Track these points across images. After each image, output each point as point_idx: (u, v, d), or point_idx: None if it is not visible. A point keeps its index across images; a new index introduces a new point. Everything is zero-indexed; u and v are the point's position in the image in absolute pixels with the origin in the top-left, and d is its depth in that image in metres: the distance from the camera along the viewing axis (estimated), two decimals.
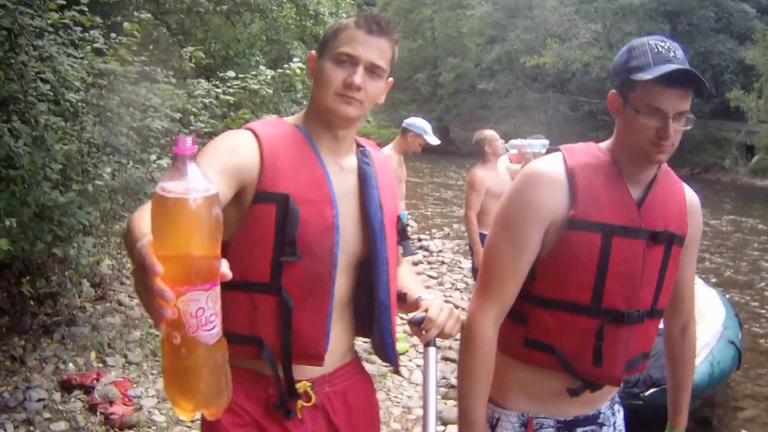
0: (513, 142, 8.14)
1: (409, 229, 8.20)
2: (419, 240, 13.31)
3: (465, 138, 40.17)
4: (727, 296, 8.63)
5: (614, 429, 2.41)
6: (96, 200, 5.41)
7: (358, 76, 2.02)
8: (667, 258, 2.23)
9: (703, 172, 30.24)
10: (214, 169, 1.84)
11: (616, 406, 2.47)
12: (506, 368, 2.29)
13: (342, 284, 2.12)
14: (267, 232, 1.97)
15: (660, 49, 2.10)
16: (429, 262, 11.63)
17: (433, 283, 10.24)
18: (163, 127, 5.90)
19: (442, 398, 6.04)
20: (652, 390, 4.81)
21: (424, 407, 2.14)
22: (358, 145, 2.29)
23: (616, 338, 2.18)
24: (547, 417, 2.29)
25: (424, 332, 2.17)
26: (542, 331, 2.21)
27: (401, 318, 8.10)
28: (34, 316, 5.95)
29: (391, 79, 2.20)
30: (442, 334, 2.17)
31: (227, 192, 1.89)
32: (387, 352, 2.24)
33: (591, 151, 2.26)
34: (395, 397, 6.05)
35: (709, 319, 6.37)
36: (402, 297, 2.32)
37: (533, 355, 2.24)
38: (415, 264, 11.27)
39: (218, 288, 1.23)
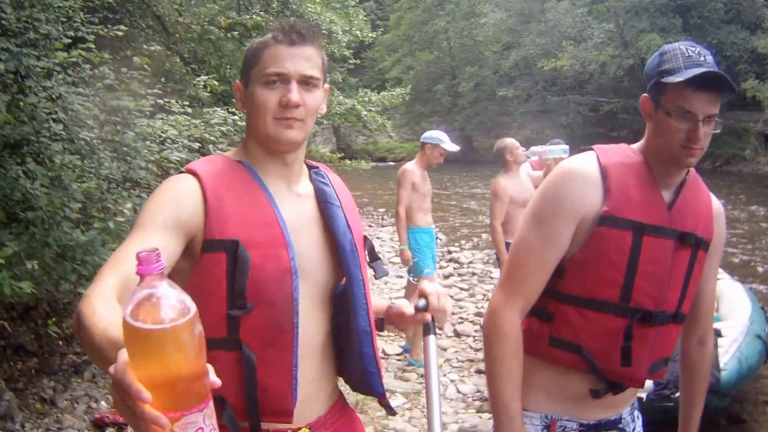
0: (534, 149, 8.11)
1: (438, 242, 8.16)
2: (449, 252, 13.21)
3: (488, 146, 39.99)
4: (752, 289, 8.50)
5: None
6: (119, 236, 5.37)
7: (294, 93, 1.88)
8: (693, 262, 2.25)
9: (724, 165, 29.92)
10: (158, 227, 1.74)
11: (636, 413, 2.47)
12: (529, 369, 2.28)
13: (312, 326, 1.97)
14: (219, 283, 1.80)
15: (691, 53, 2.14)
16: (459, 274, 11.56)
17: (465, 294, 10.15)
18: (182, 158, 5.87)
19: (477, 412, 5.97)
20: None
21: (428, 399, 2.06)
22: (311, 167, 2.15)
23: (643, 338, 2.20)
24: (570, 420, 2.29)
25: (431, 314, 2.08)
26: (568, 329, 2.21)
27: (436, 333, 8.08)
28: (63, 356, 5.93)
29: (327, 85, 2.07)
30: (445, 313, 2.08)
31: (177, 248, 1.76)
32: (372, 382, 2.10)
33: (623, 152, 2.30)
34: None
35: (736, 314, 6.39)
36: (378, 323, 2.19)
37: (558, 354, 2.24)
38: (446, 277, 11.19)
39: (212, 402, 1.13)
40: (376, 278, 2.17)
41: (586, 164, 2.23)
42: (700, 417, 2.57)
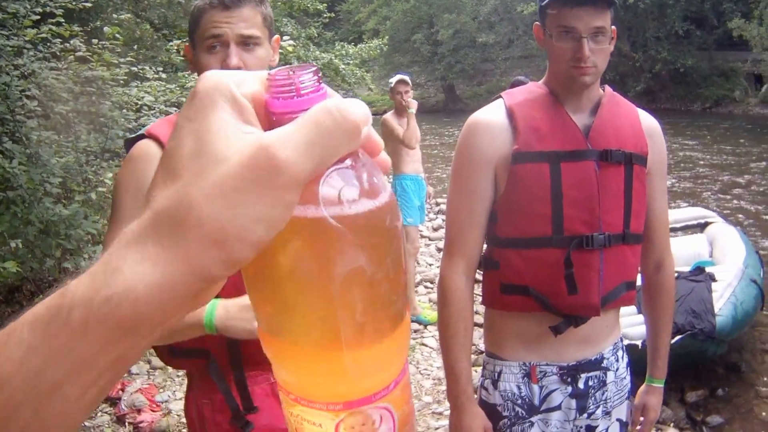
0: None
1: (428, 196, 8.15)
2: (437, 204, 13.14)
3: (471, 94, 39.80)
4: (746, 232, 8.41)
5: (615, 375, 2.37)
6: (101, 207, 5.36)
7: (233, 57, 1.90)
8: (630, 178, 2.22)
9: (714, 106, 29.74)
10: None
11: (620, 353, 2.43)
12: (494, 321, 2.35)
13: None
14: None
15: None
16: None
17: None
18: None
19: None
20: (677, 337, 4.71)
21: None
22: None
23: (586, 264, 2.18)
24: (549, 364, 2.29)
25: None
26: (513, 272, 2.23)
27: (426, 287, 8.11)
28: None
29: (276, 36, 2.10)
30: None
31: None
32: None
33: (528, 89, 2.33)
34: (425, 369, 6.02)
35: (730, 258, 6.28)
36: None
37: (510, 300, 2.26)
38: (435, 230, 11.17)
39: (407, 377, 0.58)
40: None
41: (489, 112, 2.27)
42: (669, 346, 2.55)
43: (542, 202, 2.15)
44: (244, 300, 1.77)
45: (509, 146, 2.18)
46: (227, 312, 1.78)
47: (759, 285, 5.79)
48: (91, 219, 4.97)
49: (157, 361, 5.78)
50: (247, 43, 1.94)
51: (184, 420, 4.94)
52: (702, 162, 16.87)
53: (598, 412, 2.33)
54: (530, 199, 2.16)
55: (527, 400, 2.30)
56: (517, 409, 2.30)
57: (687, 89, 30.90)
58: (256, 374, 2.01)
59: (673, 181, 13.97)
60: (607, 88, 2.34)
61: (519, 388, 2.30)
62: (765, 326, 6.62)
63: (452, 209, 2.31)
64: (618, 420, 2.40)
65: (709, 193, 13.53)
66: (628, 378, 2.45)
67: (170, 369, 5.69)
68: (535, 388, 2.29)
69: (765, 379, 5.69)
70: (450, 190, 2.33)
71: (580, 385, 2.30)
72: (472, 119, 2.28)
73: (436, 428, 5.01)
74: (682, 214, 7.90)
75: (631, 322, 4.92)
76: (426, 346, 6.50)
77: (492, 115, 2.25)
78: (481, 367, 2.44)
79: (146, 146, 1.89)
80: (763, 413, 5.21)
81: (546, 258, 2.18)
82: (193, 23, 1.99)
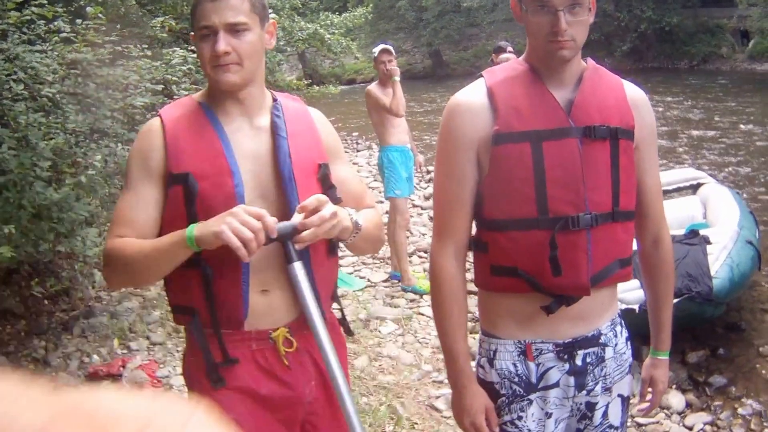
0: None
1: (421, 167, 8.18)
2: (428, 172, 13.08)
3: (457, 59, 39.65)
4: (742, 194, 8.37)
5: (614, 351, 2.36)
6: (93, 189, 5.32)
7: (220, 43, 2.09)
8: (616, 155, 2.18)
9: (701, 63, 29.74)
10: (142, 180, 2.14)
11: (618, 328, 2.41)
12: (487, 300, 2.34)
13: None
14: (180, 211, 2.10)
15: None
16: None
17: None
18: (146, 102, 5.77)
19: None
20: (674, 300, 4.72)
21: (313, 329, 2.11)
22: (274, 99, 2.35)
23: (572, 245, 2.16)
24: (544, 341, 2.27)
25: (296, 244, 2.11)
26: (502, 254, 2.22)
27: (420, 257, 8.14)
28: (51, 315, 5.90)
29: (271, 20, 2.28)
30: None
31: (160, 194, 2.14)
32: None
33: (510, 66, 2.31)
34: (423, 338, 6.04)
35: (724, 220, 6.22)
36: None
37: (500, 281, 2.25)
38: (427, 198, 11.15)
39: None
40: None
41: (470, 93, 2.25)
42: (671, 318, 2.54)
43: (525, 184, 2.13)
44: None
45: (490, 127, 2.15)
46: (204, 223, 2.00)
47: (755, 246, 5.78)
48: (82, 201, 4.95)
49: (156, 337, 5.82)
50: (236, 29, 2.12)
51: (185, 394, 4.97)
52: (686, 120, 16.88)
53: (598, 388, 2.33)
54: (513, 180, 2.14)
55: (524, 378, 2.29)
56: (515, 387, 2.30)
57: (673, 47, 30.87)
58: (231, 333, 2.18)
59: (661, 141, 13.93)
60: (590, 60, 2.30)
61: (515, 365, 2.29)
62: (762, 286, 6.65)
63: (439, 193, 2.33)
64: (619, 396, 2.40)
65: (689, 148, 13.56)
66: (629, 353, 2.43)
67: (169, 344, 5.73)
68: (532, 365, 2.28)
69: (765, 337, 5.73)
70: (435, 173, 2.33)
71: (578, 361, 2.29)
72: (453, 101, 2.26)
73: (437, 397, 5.04)
74: (674, 176, 7.83)
75: (627, 287, 4.92)
76: (423, 315, 6.51)
77: (472, 96, 2.23)
78: (478, 345, 2.42)
79: (151, 123, 2.23)
80: (765, 371, 5.25)
81: (532, 240, 2.16)
82: (192, 15, 2.19)
